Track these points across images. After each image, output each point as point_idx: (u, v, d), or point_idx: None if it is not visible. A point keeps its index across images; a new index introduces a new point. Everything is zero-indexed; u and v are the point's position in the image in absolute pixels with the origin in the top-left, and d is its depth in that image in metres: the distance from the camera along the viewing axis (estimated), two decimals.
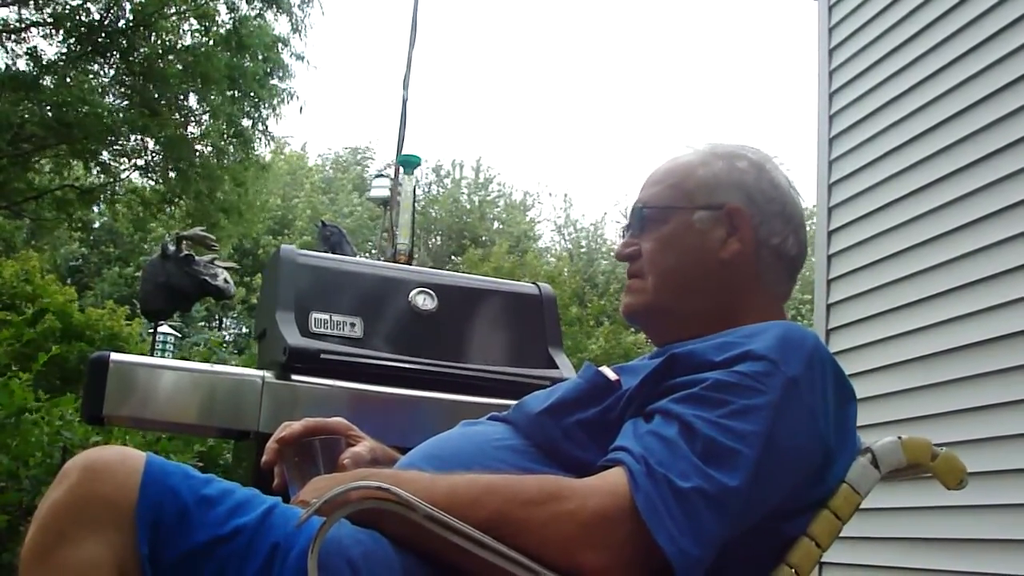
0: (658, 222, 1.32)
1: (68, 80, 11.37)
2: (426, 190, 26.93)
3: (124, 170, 13.35)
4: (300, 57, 12.96)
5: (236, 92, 12.21)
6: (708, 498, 1.00)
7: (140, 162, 13.10)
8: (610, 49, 47.55)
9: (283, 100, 12.94)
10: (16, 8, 11.47)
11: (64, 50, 11.65)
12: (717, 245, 1.29)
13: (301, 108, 13.31)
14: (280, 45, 12.67)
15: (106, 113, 11.12)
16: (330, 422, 1.34)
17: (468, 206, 27.58)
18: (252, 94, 12.43)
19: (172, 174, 12.80)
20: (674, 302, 1.30)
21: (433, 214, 26.65)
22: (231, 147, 12.70)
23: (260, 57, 12.37)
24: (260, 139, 13.16)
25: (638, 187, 1.39)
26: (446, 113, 40.42)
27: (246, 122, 12.72)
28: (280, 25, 12.89)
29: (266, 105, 12.76)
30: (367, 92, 48.58)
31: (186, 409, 2.32)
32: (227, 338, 22.11)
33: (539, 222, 28.43)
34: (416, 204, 3.69)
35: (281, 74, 12.81)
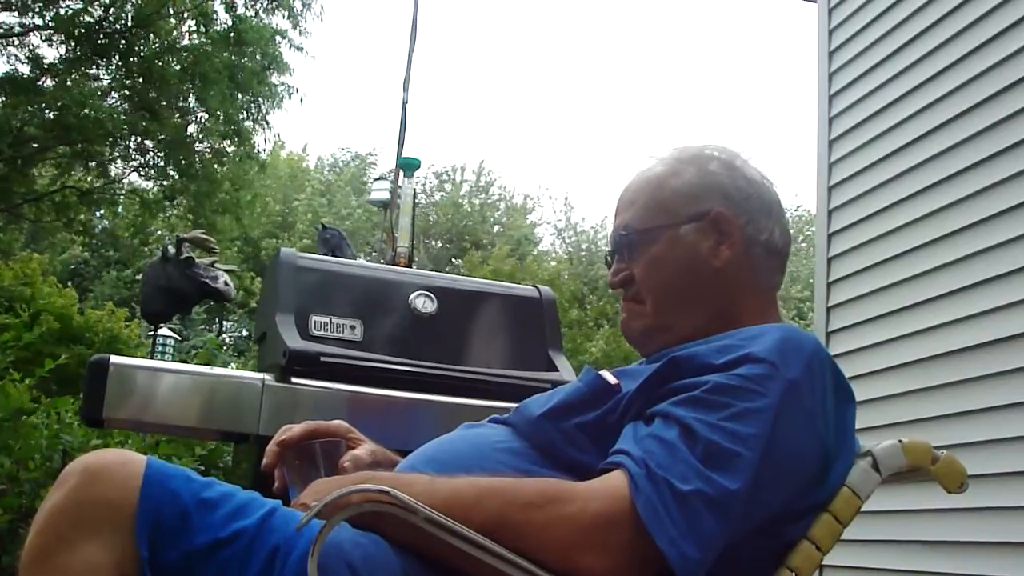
0: (645, 244, 1.31)
1: (68, 83, 11.38)
2: (427, 195, 26.93)
3: (125, 172, 13.37)
4: (299, 48, 12.95)
5: (235, 90, 12.21)
6: (709, 501, 1.00)
7: (140, 163, 13.11)
8: (610, 52, 47.60)
9: (282, 97, 12.94)
10: (17, 14, 11.49)
11: (64, 53, 11.66)
12: (709, 254, 1.28)
13: (301, 99, 13.32)
14: (278, 38, 12.66)
15: (107, 116, 11.12)
16: (330, 425, 1.34)
17: (468, 209, 27.59)
18: (251, 91, 12.43)
19: (172, 174, 12.80)
20: (676, 319, 1.29)
21: (433, 217, 26.65)
22: (231, 144, 12.70)
23: (258, 54, 12.36)
24: (260, 133, 13.17)
25: (614, 211, 1.37)
26: (447, 116, 40.48)
27: (244, 117, 12.72)
28: (280, 22, 12.91)
29: (265, 100, 12.76)
30: (368, 95, 48.65)
31: (186, 412, 2.32)
32: (227, 340, 22.14)
33: (539, 225, 28.45)
34: (416, 207, 3.69)
35: (279, 68, 12.80)
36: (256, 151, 13.30)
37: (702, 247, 1.28)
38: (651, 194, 1.32)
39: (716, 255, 1.28)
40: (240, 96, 12.39)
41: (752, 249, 1.29)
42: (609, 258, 1.38)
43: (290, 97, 13.01)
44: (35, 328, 5.86)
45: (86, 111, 10.99)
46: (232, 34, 11.93)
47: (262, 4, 12.37)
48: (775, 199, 1.34)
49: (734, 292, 1.29)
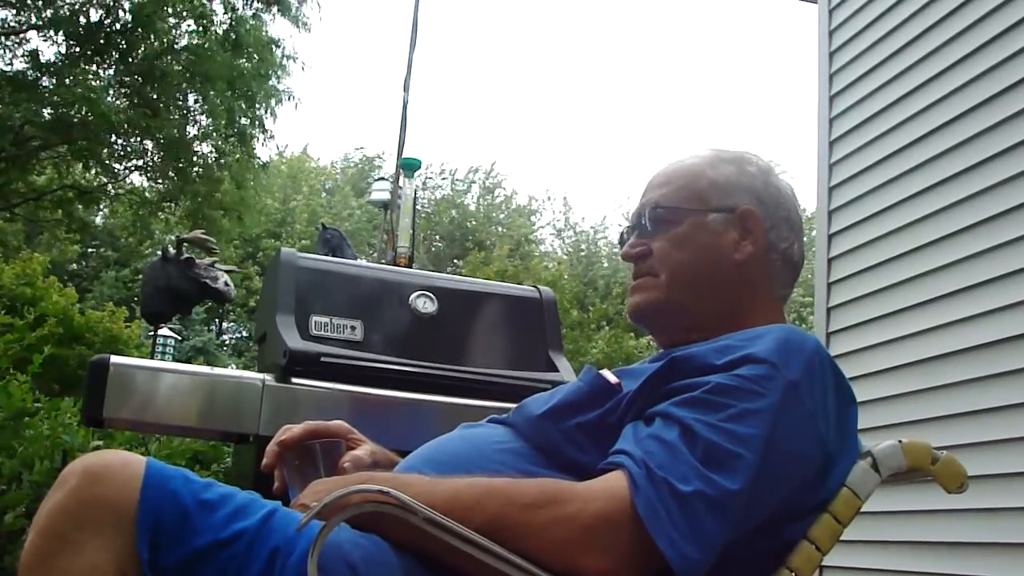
0: (671, 223, 1.32)
1: (68, 81, 11.38)
2: (431, 193, 26.93)
3: (124, 171, 13.38)
4: (293, 58, 13.00)
5: (234, 92, 12.22)
6: (709, 501, 1.00)
7: (140, 162, 13.12)
8: (610, 53, 47.59)
9: (279, 100, 12.96)
10: (14, 11, 11.49)
11: (63, 51, 11.66)
12: (731, 247, 1.30)
13: (296, 105, 13.37)
14: (273, 46, 12.68)
15: (112, 114, 11.12)
16: (330, 425, 1.34)
17: (473, 209, 27.62)
18: (249, 93, 12.44)
19: (172, 174, 12.81)
20: (688, 300, 1.30)
21: (436, 218, 26.65)
22: (231, 146, 12.71)
23: (255, 57, 12.37)
24: (259, 138, 13.18)
25: (640, 190, 1.39)
26: (448, 117, 40.48)
27: (244, 121, 12.73)
28: (278, 26, 12.94)
29: (261, 104, 12.77)
30: (371, 96, 48.60)
31: (186, 412, 2.32)
32: (227, 340, 22.16)
33: (540, 228, 28.44)
34: (418, 208, 3.70)
35: (278, 74, 12.82)
36: (256, 155, 13.31)
37: (726, 238, 1.30)
38: (686, 180, 1.34)
39: (738, 249, 1.29)
40: (241, 101, 12.39)
41: (771, 254, 1.31)
42: (626, 233, 1.39)
43: (290, 100, 13.04)
44: (39, 330, 5.88)
45: (90, 109, 10.98)
46: (232, 36, 11.93)
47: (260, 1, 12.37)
48: (800, 217, 1.37)
49: (746, 291, 1.30)
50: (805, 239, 1.45)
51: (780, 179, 1.37)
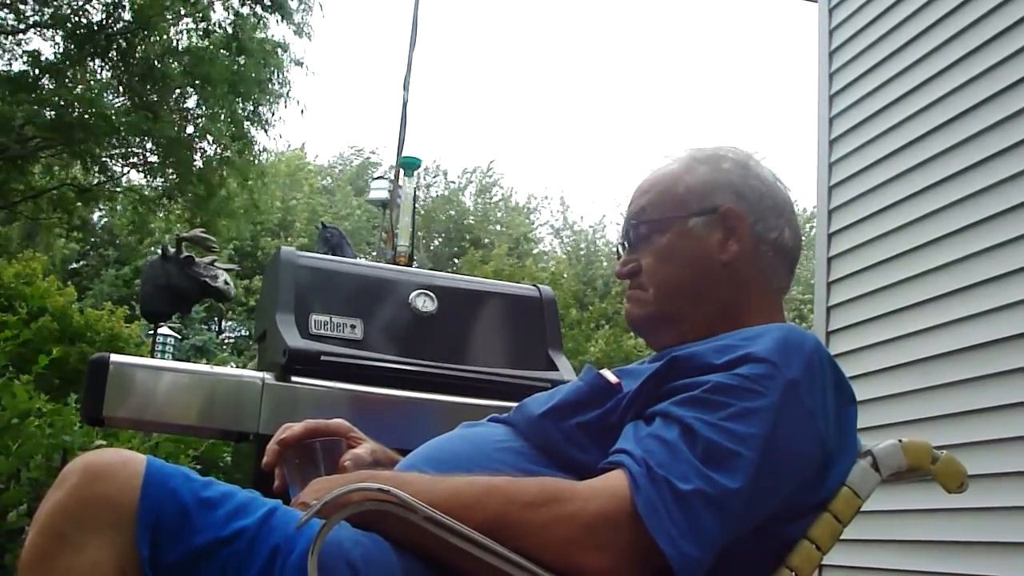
0: (653, 234, 1.32)
1: (68, 81, 11.37)
2: (425, 192, 26.93)
3: (123, 170, 13.38)
4: (299, 63, 13.00)
5: (236, 95, 12.21)
6: (709, 500, 1.00)
7: (138, 161, 13.12)
8: (609, 52, 47.58)
9: (280, 100, 12.96)
10: (14, 14, 11.47)
11: (62, 51, 11.65)
12: (717, 248, 1.29)
13: (302, 111, 13.36)
14: (279, 51, 12.67)
15: (112, 115, 11.11)
16: (331, 424, 1.34)
17: (471, 207, 27.61)
18: (253, 96, 12.43)
19: (171, 174, 12.81)
20: (679, 309, 1.29)
21: (434, 216, 26.65)
22: (233, 148, 12.70)
23: (260, 61, 12.36)
24: (261, 140, 13.18)
25: (626, 204, 1.39)
26: (445, 115, 40.46)
27: (247, 124, 12.73)
28: (280, 30, 12.92)
29: (267, 108, 12.78)
30: (370, 95, 48.58)
31: (186, 411, 2.32)
32: (227, 339, 22.15)
33: (539, 226, 28.43)
34: (416, 206, 3.69)
35: (281, 78, 12.82)
36: (256, 157, 13.30)
37: (710, 241, 1.29)
38: (664, 188, 1.34)
39: (724, 249, 1.29)
40: (241, 102, 12.38)
41: (760, 247, 1.30)
42: (619, 249, 1.39)
43: (298, 104, 13.04)
44: (32, 325, 5.87)
45: (91, 110, 10.97)
46: (234, 42, 11.91)
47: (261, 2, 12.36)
48: (786, 200, 1.35)
49: (741, 289, 1.29)
50: (804, 239, 1.44)
51: (760, 167, 1.35)
